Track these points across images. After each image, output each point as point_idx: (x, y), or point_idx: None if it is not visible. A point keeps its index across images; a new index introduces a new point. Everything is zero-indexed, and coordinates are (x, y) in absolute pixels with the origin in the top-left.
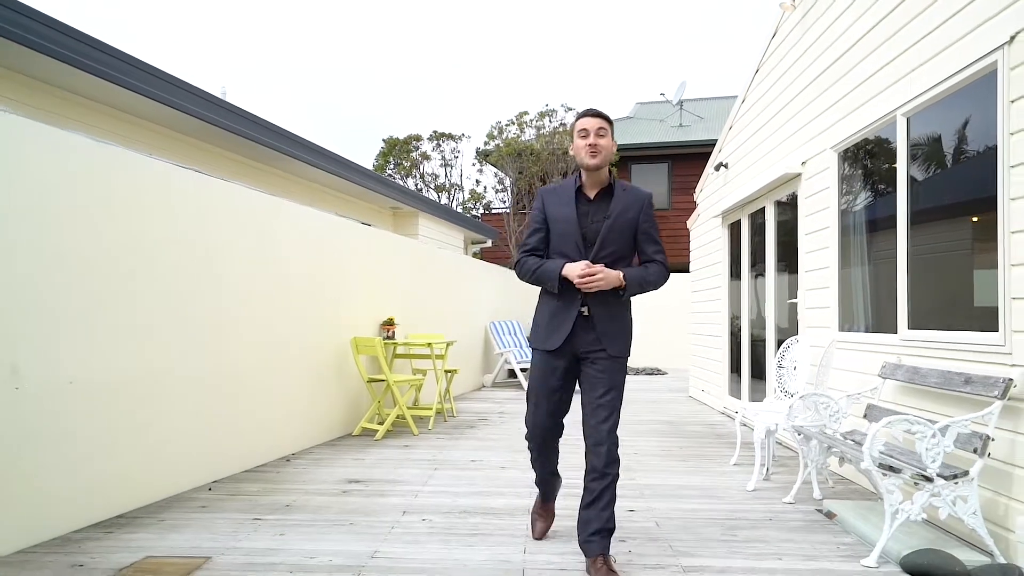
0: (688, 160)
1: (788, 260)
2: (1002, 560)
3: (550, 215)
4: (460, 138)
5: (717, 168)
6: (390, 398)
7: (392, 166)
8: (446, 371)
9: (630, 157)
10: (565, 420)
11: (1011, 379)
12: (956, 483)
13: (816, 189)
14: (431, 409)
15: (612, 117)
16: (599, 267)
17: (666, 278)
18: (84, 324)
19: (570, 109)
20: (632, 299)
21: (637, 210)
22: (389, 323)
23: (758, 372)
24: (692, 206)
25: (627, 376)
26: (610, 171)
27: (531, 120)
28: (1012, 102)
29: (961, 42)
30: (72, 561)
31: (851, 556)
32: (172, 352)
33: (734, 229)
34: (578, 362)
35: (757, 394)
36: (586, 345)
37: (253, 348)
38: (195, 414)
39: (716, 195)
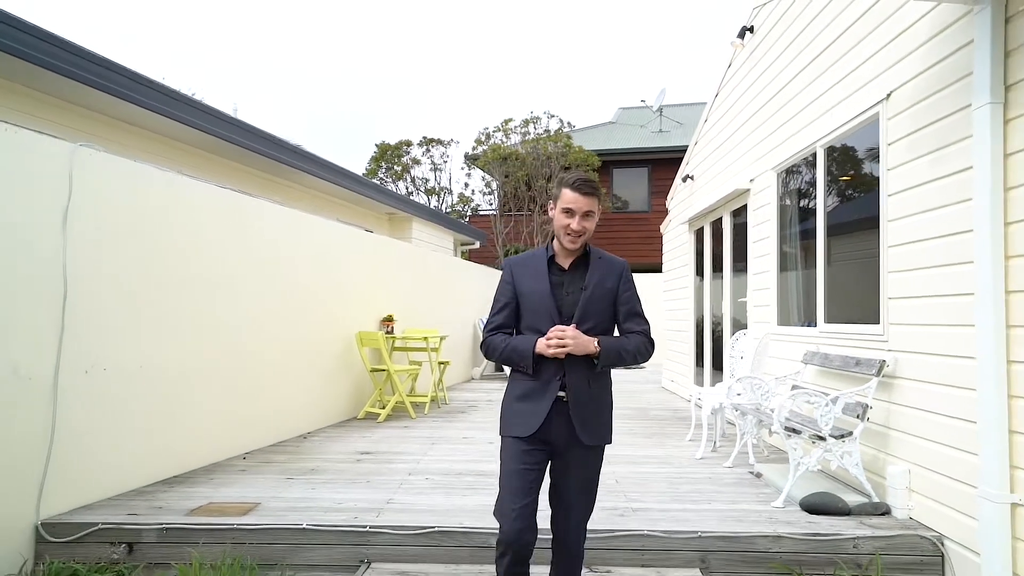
0: (667, 165)
1: (742, 264)
2: (876, 500)
3: (520, 289)
4: (449, 143)
5: (684, 180)
6: (390, 386)
7: (384, 170)
8: (440, 363)
9: (612, 162)
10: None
11: (884, 360)
12: (843, 441)
13: (761, 203)
14: (427, 397)
15: (592, 123)
16: (570, 329)
17: (650, 351)
18: (148, 323)
19: (553, 116)
20: (611, 380)
21: (615, 279)
22: (388, 319)
23: (719, 363)
24: (667, 210)
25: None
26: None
27: (516, 127)
28: (890, 144)
29: (857, 94)
30: (151, 505)
31: (766, 501)
32: (210, 346)
33: (699, 235)
34: (549, 451)
35: (717, 382)
36: (561, 434)
37: (273, 342)
38: (229, 397)
39: (684, 203)
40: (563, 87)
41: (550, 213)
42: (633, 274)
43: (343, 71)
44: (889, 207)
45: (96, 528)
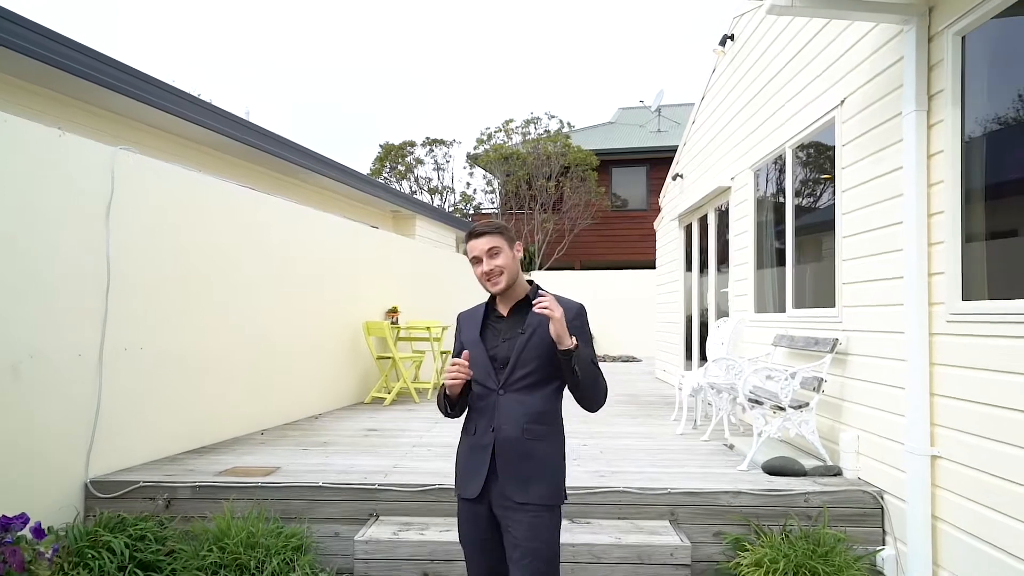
0: (664, 164)
1: (725, 257)
2: (830, 463)
3: (462, 341)
4: (451, 143)
5: (674, 178)
6: (395, 373)
7: (388, 170)
8: (442, 352)
9: (611, 161)
10: None
11: (837, 339)
12: (801, 411)
13: (740, 200)
14: (430, 383)
15: (592, 123)
16: (547, 298)
17: (605, 397)
18: (175, 309)
19: (553, 116)
20: (561, 431)
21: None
22: (393, 311)
23: (706, 353)
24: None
25: (562, 521)
26: (531, 282)
27: (517, 127)
28: (843, 145)
29: (818, 100)
30: (184, 468)
31: (732, 466)
32: (229, 332)
33: (688, 231)
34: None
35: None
36: (496, 493)
37: (286, 330)
38: (247, 378)
39: (675, 201)
40: (564, 88)
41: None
42: (631, 271)
43: (347, 73)
44: (843, 201)
45: (137, 485)
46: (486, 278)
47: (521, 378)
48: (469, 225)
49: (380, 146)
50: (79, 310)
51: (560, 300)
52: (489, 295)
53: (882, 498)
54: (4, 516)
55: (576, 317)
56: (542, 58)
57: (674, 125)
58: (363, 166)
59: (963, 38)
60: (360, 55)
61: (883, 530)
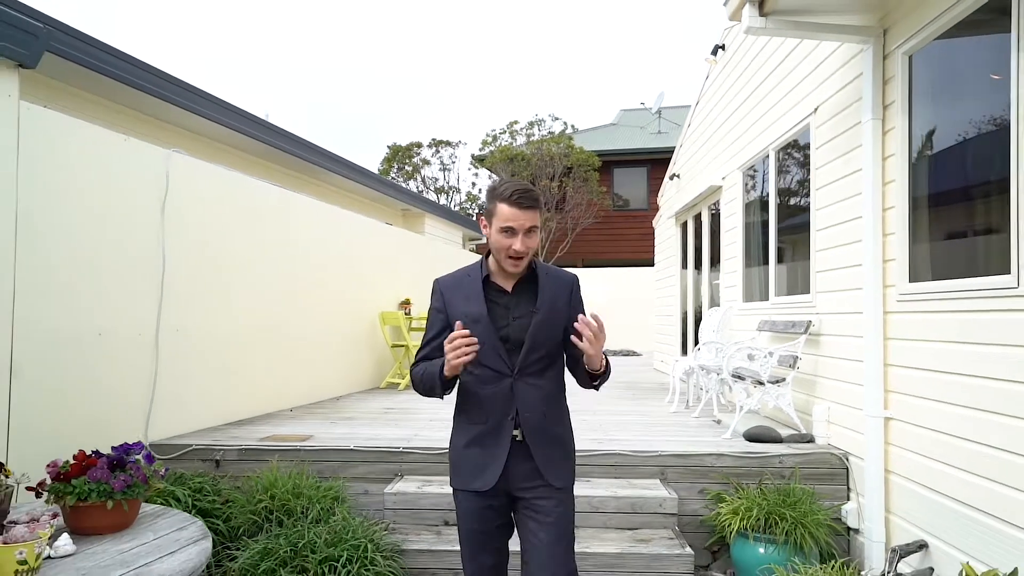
0: (665, 164)
1: (718, 253)
2: (804, 432)
3: (453, 315)
4: (457, 144)
5: (671, 178)
6: (408, 360)
7: (396, 170)
8: None
9: (613, 162)
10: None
11: (811, 321)
12: (778, 386)
13: (730, 198)
14: None
15: (595, 124)
16: (597, 323)
17: (609, 373)
18: (216, 296)
19: (557, 118)
20: (568, 410)
21: (566, 297)
22: (406, 302)
23: (699, 340)
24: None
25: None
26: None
27: (521, 128)
28: (817, 148)
29: (796, 107)
30: (228, 435)
31: (717, 435)
32: (260, 318)
33: (684, 228)
34: (512, 501)
35: None
36: (522, 479)
37: (309, 319)
38: (276, 361)
39: (672, 200)
40: (567, 90)
41: (484, 231)
42: (632, 268)
43: (356, 75)
44: (817, 198)
45: (190, 448)
46: (513, 256)
47: (535, 361)
48: (476, 224)
49: (388, 147)
50: (139, 293)
51: (553, 273)
52: (480, 265)
53: (847, 459)
54: (126, 443)
55: (575, 288)
56: (546, 61)
57: (674, 127)
58: (371, 166)
59: (910, 57)
60: (369, 59)
61: (848, 487)
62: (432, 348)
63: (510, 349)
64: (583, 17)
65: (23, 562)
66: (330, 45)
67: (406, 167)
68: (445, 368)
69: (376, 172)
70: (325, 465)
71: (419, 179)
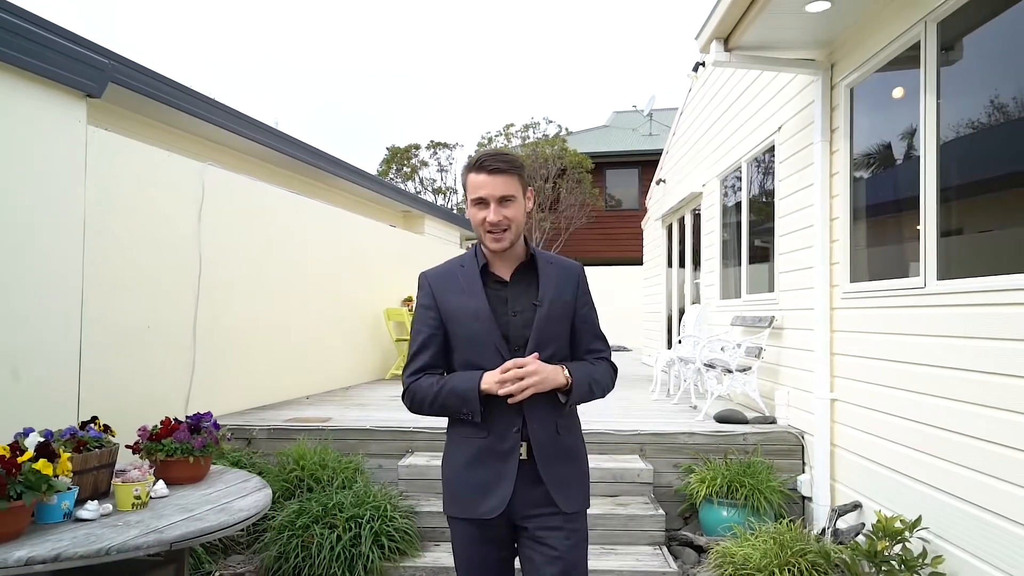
0: (655, 166)
1: (699, 253)
2: (767, 415)
3: (448, 311)
4: (454, 146)
5: (657, 183)
6: None
7: (394, 171)
8: None
9: (605, 163)
10: None
11: (774, 316)
12: (745, 374)
13: (709, 204)
14: None
15: (588, 126)
16: (530, 360)
17: (614, 381)
18: (239, 294)
19: (551, 121)
20: (580, 422)
21: (572, 289)
22: (409, 300)
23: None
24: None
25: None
26: (526, 239)
27: (517, 131)
28: (780, 163)
29: (764, 124)
30: (256, 417)
31: (691, 418)
32: (275, 314)
33: (669, 230)
34: (514, 529)
35: None
36: (529, 505)
37: (319, 314)
38: (292, 353)
39: (658, 203)
40: (560, 92)
41: (467, 214)
42: (624, 267)
43: (354, 78)
44: (780, 207)
45: (225, 428)
46: (489, 230)
47: (545, 361)
48: (470, 223)
49: (387, 148)
50: (179, 292)
51: (558, 262)
52: (474, 251)
53: (802, 437)
54: (198, 412)
55: (581, 277)
56: (540, 64)
57: (664, 129)
58: (370, 167)
59: (851, 89)
60: (367, 61)
61: (803, 461)
62: (431, 356)
63: (513, 348)
64: (576, 21)
65: (138, 497)
66: (332, 49)
67: (405, 168)
68: (487, 388)
69: (375, 173)
70: (344, 443)
71: (417, 180)
